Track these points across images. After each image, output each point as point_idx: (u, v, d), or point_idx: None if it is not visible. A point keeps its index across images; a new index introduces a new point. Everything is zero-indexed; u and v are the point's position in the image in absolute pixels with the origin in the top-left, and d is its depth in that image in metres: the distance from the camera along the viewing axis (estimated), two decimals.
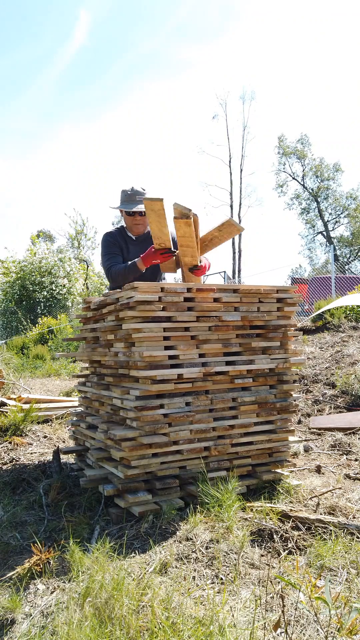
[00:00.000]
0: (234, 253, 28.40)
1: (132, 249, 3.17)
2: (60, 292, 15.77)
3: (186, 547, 1.95)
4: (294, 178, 32.50)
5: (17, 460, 3.19)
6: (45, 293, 15.49)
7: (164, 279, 3.34)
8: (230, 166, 28.79)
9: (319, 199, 31.99)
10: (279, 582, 1.73)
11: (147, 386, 2.26)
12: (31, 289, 15.59)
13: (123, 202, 3.13)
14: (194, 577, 1.77)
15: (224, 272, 15.48)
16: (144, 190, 3.12)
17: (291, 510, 2.23)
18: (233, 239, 28.24)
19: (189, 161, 57.76)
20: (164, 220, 2.57)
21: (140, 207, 3.06)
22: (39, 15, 47.52)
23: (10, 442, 3.46)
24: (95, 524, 2.28)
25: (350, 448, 3.29)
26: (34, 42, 48.91)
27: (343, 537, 2.00)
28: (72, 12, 46.93)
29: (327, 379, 4.97)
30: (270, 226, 52.61)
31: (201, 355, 2.42)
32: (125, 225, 3.22)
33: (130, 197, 3.10)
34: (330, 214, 32.58)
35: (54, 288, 15.70)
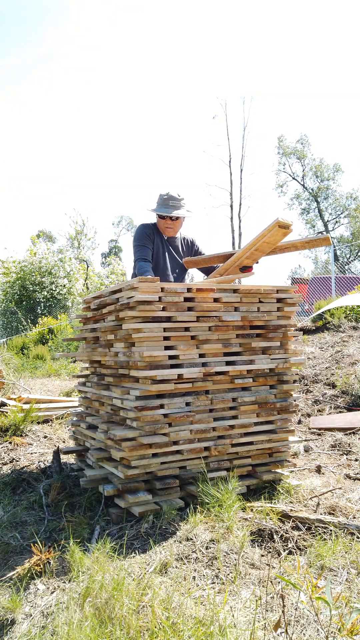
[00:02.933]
0: None
1: (164, 247, 3.31)
2: (61, 292, 15.77)
3: (186, 547, 1.95)
4: (294, 178, 32.50)
5: (17, 461, 3.19)
6: (45, 293, 15.50)
7: (192, 278, 3.48)
8: (230, 166, 28.74)
9: (319, 199, 31.99)
10: (279, 582, 1.73)
11: (147, 386, 2.26)
12: (31, 289, 15.59)
13: (158, 205, 3.27)
14: (194, 577, 1.77)
15: None
16: (180, 196, 3.26)
17: (291, 510, 2.23)
18: (233, 239, 28.23)
19: (189, 161, 57.78)
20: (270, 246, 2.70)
21: (177, 212, 3.20)
22: (40, 17, 47.53)
23: (10, 442, 3.45)
24: (96, 524, 2.28)
25: (350, 448, 3.29)
26: (32, 43, 48.93)
27: (343, 537, 2.00)
28: (72, 16, 46.94)
29: (327, 379, 4.96)
30: None
31: (201, 355, 2.42)
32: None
33: (164, 202, 3.24)
34: (330, 214, 32.58)
35: (54, 288, 15.69)
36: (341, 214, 32.25)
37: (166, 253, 3.31)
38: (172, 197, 3.23)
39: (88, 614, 1.56)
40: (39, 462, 3.17)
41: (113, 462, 2.44)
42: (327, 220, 32.35)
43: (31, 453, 3.35)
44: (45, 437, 3.72)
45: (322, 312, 7.61)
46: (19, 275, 15.80)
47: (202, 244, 3.49)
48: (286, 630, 1.40)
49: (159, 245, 3.29)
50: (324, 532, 2.06)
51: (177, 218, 3.25)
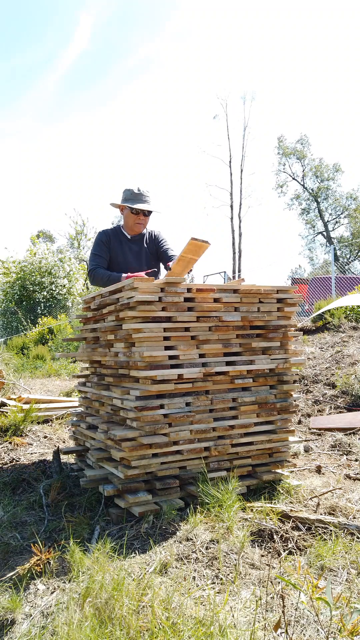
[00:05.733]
0: (234, 253, 28.41)
1: (126, 247, 3.19)
2: (60, 292, 15.78)
3: (186, 548, 1.95)
4: (294, 178, 32.52)
5: (17, 461, 3.19)
6: (45, 293, 15.50)
7: (193, 279, 3.39)
8: (230, 166, 28.79)
9: (319, 199, 32.00)
10: (279, 583, 1.73)
11: (147, 386, 2.26)
12: (31, 289, 15.59)
13: (128, 200, 3.12)
14: (194, 578, 1.77)
15: (224, 272, 15.48)
16: (148, 190, 3.15)
17: (291, 510, 2.23)
18: (233, 239, 28.22)
19: (190, 161, 57.80)
20: (192, 263, 2.57)
21: (146, 206, 3.08)
22: (40, 19, 47.62)
23: (10, 442, 3.45)
24: (96, 524, 2.28)
25: (350, 448, 3.29)
26: (35, 46, 49.03)
27: (343, 538, 2.00)
28: (73, 16, 46.99)
29: (327, 379, 4.97)
30: (270, 227, 52.68)
31: (201, 356, 2.42)
32: (123, 224, 3.24)
33: (136, 196, 3.10)
34: (330, 214, 32.60)
35: (54, 288, 15.69)
36: (341, 214, 32.27)
37: (129, 255, 3.17)
38: (143, 192, 3.11)
39: (88, 614, 1.56)
40: (39, 462, 3.17)
41: (113, 462, 2.44)
42: (327, 221, 32.37)
43: (31, 453, 3.35)
44: (45, 437, 3.72)
45: (322, 313, 7.61)
46: (19, 275, 15.80)
47: (167, 239, 3.31)
48: (286, 631, 1.40)
49: (119, 249, 3.16)
50: (324, 532, 2.06)
51: (149, 213, 3.14)
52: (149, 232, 3.30)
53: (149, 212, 3.14)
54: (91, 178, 59.04)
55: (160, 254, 3.28)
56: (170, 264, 3.15)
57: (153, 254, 3.28)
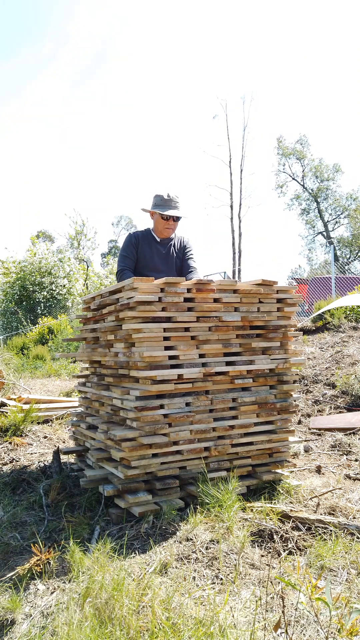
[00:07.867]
0: (234, 254, 28.37)
1: (154, 249, 3.29)
2: (60, 292, 15.78)
3: (186, 548, 1.95)
4: (293, 179, 32.52)
5: (17, 461, 3.19)
6: (45, 293, 15.49)
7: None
8: (230, 166, 28.74)
9: (318, 200, 32.00)
10: (279, 583, 1.73)
11: (147, 386, 2.26)
12: (31, 289, 15.59)
13: (158, 205, 3.24)
14: (194, 578, 1.77)
15: (224, 272, 15.48)
16: (177, 196, 3.26)
17: (291, 510, 2.23)
18: (233, 239, 28.20)
19: (190, 161, 57.81)
20: None
21: (175, 212, 3.19)
22: (40, 20, 47.62)
23: (10, 443, 3.45)
24: (96, 524, 2.28)
25: (350, 448, 3.29)
26: (34, 46, 49.01)
27: (343, 538, 2.00)
28: (71, 16, 46.98)
29: (327, 379, 4.97)
30: (270, 227, 52.68)
31: (201, 356, 2.42)
32: (153, 227, 3.34)
33: (166, 202, 3.22)
34: (330, 214, 32.60)
35: (54, 288, 15.69)
36: (341, 214, 32.27)
37: (155, 256, 3.26)
38: (173, 197, 3.24)
39: (88, 614, 1.56)
40: (39, 462, 3.17)
41: (113, 462, 2.44)
42: (327, 221, 32.36)
43: (31, 453, 3.35)
44: (45, 437, 3.72)
45: (322, 313, 7.61)
46: (19, 276, 15.80)
47: (193, 249, 3.41)
48: (286, 631, 1.40)
49: (148, 250, 3.26)
50: (324, 532, 2.06)
51: (179, 219, 3.26)
52: (179, 238, 3.41)
53: (178, 218, 3.24)
54: (91, 178, 59.04)
55: (182, 262, 3.37)
56: (189, 276, 3.26)
57: (180, 258, 3.39)
